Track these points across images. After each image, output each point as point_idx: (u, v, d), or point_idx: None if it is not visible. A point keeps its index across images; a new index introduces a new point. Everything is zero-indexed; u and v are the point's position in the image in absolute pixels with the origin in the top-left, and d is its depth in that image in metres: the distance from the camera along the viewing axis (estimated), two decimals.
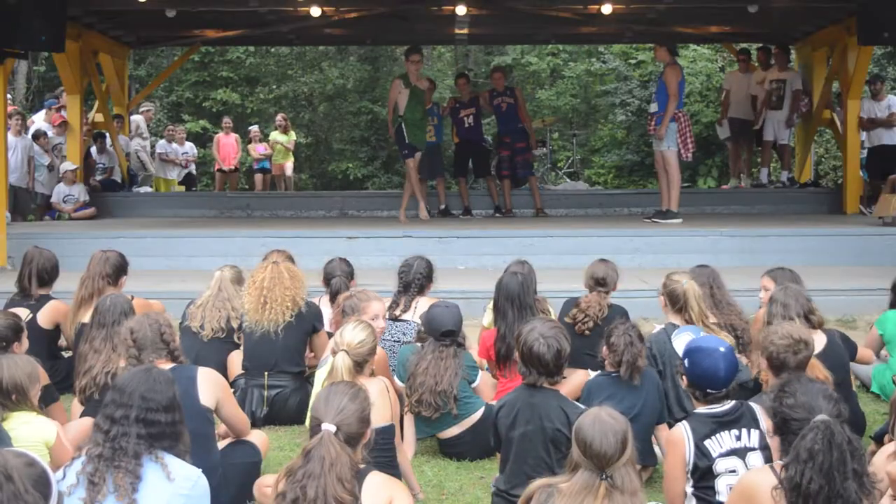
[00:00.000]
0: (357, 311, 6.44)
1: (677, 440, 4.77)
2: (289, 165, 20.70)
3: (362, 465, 4.11)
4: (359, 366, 5.29)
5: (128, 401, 4.14)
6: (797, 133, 17.51)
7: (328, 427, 4.02)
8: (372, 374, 5.61)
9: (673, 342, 5.84)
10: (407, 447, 6.44)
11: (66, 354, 7.90)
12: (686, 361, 4.99)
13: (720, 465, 4.65)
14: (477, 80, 26.69)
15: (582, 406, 5.29)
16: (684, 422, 4.88)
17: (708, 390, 4.82)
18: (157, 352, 5.31)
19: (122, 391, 4.18)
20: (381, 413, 5.29)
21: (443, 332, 6.50)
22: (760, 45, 18.01)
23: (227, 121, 21.31)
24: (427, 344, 6.53)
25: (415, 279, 7.59)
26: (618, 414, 3.95)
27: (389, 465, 5.20)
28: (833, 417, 3.88)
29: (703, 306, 6.62)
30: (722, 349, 4.94)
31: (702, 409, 4.89)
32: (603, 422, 3.85)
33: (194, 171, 21.31)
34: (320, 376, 5.64)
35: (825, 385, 4.29)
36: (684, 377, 5.01)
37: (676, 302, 6.66)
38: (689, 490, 4.69)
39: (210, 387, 5.34)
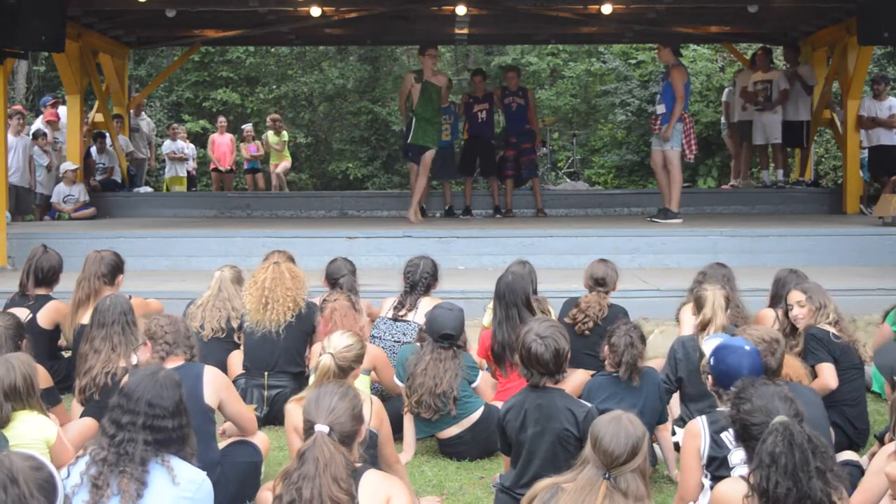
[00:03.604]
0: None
1: (695, 432, 4.80)
2: (283, 165, 20.60)
3: (359, 465, 4.11)
4: (342, 371, 5.21)
5: (134, 407, 4.16)
6: None
7: (321, 428, 4.03)
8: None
9: (703, 346, 5.85)
10: (406, 447, 6.45)
11: (66, 354, 7.91)
12: (712, 359, 5.03)
13: (735, 457, 4.65)
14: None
15: (588, 404, 5.30)
16: (702, 416, 4.91)
17: (731, 388, 4.82)
18: (186, 349, 5.49)
19: (129, 397, 4.20)
20: (377, 423, 5.37)
21: (441, 335, 6.50)
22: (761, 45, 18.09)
23: (221, 120, 21.23)
24: (426, 345, 6.54)
25: (421, 279, 7.60)
26: (639, 422, 3.95)
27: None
28: (791, 417, 3.88)
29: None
30: (747, 348, 4.97)
31: (720, 408, 4.91)
32: (620, 422, 3.87)
33: (193, 171, 21.31)
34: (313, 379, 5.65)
35: (780, 387, 4.30)
36: (710, 376, 5.03)
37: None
38: (707, 483, 4.68)
39: (214, 386, 5.40)
